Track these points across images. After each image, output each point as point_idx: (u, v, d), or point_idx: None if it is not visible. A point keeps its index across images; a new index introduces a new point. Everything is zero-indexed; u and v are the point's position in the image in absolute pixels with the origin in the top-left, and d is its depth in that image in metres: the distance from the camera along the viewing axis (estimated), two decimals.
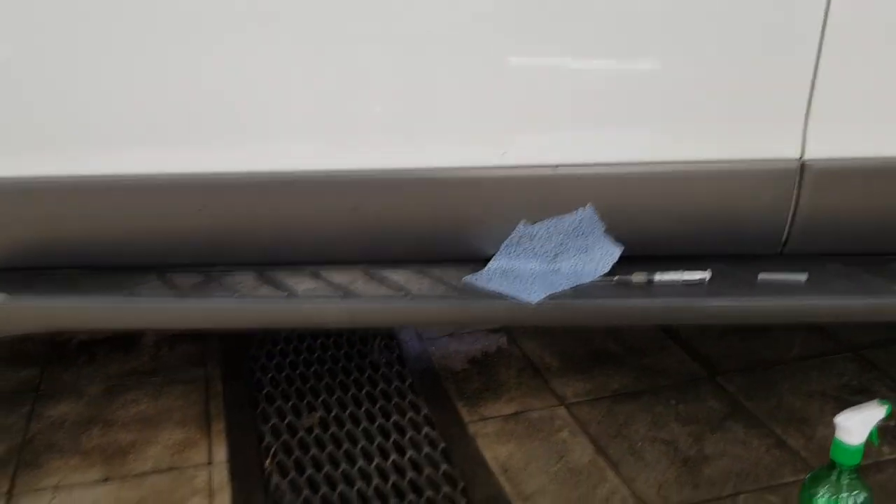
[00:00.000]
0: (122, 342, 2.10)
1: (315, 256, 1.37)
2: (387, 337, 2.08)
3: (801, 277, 1.33)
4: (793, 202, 1.31)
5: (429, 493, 1.55)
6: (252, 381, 1.92)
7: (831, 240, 1.36)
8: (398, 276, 1.36)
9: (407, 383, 1.89)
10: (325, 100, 1.24)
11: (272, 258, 1.37)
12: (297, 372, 1.94)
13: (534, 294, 1.29)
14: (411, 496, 1.54)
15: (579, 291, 1.31)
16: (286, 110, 1.25)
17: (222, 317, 1.32)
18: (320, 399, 1.84)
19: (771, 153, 1.28)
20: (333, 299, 1.30)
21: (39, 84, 1.21)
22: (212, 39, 1.20)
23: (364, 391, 1.86)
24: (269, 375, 1.93)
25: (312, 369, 1.95)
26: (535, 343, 2.05)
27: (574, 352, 2.01)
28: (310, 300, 1.30)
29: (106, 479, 1.61)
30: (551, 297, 1.29)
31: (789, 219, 1.32)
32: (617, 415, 1.77)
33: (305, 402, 1.83)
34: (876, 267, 1.37)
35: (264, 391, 1.87)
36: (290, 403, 1.82)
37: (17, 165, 1.26)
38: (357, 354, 2.01)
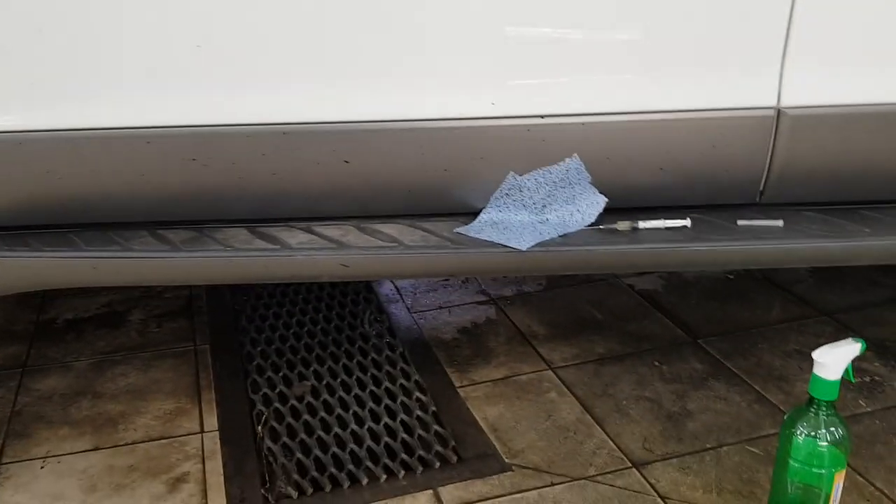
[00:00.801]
0: (110, 319, 2.11)
1: (307, 211, 1.39)
2: (376, 310, 2.11)
3: (779, 223, 1.38)
4: (770, 150, 1.36)
5: (420, 452, 1.57)
6: (242, 353, 1.93)
7: (807, 188, 1.41)
8: (390, 229, 1.39)
9: (397, 353, 1.91)
10: (317, 50, 1.27)
11: (264, 213, 1.39)
12: (287, 345, 1.96)
13: (524, 242, 1.33)
14: (403, 456, 1.56)
15: (567, 239, 1.35)
16: (276, 60, 1.27)
17: (216, 270, 1.33)
18: (311, 369, 1.85)
19: (748, 102, 1.33)
20: (327, 251, 1.32)
21: (28, 35, 1.22)
22: None
23: (354, 361, 1.88)
24: (259, 348, 1.94)
25: (303, 342, 1.97)
26: (522, 313, 2.09)
27: (560, 320, 2.05)
28: (304, 251, 1.32)
29: (96, 448, 1.61)
30: (540, 244, 1.33)
31: (766, 167, 1.37)
32: (602, 376, 1.81)
33: (296, 372, 1.84)
34: (849, 214, 1.42)
35: (254, 363, 1.88)
36: (280, 374, 1.84)
37: (6, 120, 1.27)
38: (347, 327, 2.03)
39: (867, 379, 1.77)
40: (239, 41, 1.25)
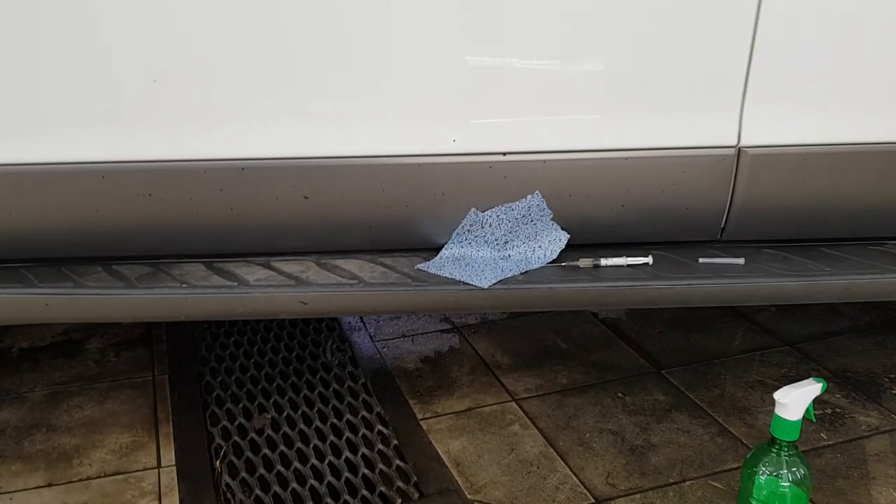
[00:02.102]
0: (67, 348, 2.06)
1: (266, 247, 1.37)
2: (338, 339, 2.08)
3: (740, 261, 1.39)
4: (730, 189, 1.36)
5: (381, 488, 1.55)
6: (201, 384, 1.89)
7: (768, 226, 1.42)
8: (350, 265, 1.37)
9: (360, 383, 1.89)
10: (276, 85, 1.25)
11: (222, 249, 1.37)
12: (248, 375, 1.92)
13: (485, 279, 1.32)
14: (364, 492, 1.54)
15: (529, 276, 1.34)
16: (234, 94, 1.25)
17: (172, 307, 1.31)
18: (271, 401, 1.82)
19: (709, 140, 1.33)
20: (286, 287, 1.30)
21: None
22: (157, 17, 1.20)
23: (316, 392, 1.86)
24: (219, 378, 1.91)
25: (263, 372, 1.93)
26: (486, 342, 2.08)
27: (524, 349, 2.04)
28: (262, 289, 1.30)
29: (49, 484, 1.57)
30: (502, 281, 1.32)
31: (727, 205, 1.38)
32: (566, 408, 1.80)
33: (256, 404, 1.81)
34: (809, 251, 1.43)
35: (214, 394, 1.85)
36: (240, 405, 1.81)
37: None
38: (309, 356, 2.00)
39: (828, 411, 1.78)
40: (195, 75, 1.23)
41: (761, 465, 1.28)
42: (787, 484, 1.27)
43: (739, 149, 1.34)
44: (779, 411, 1.26)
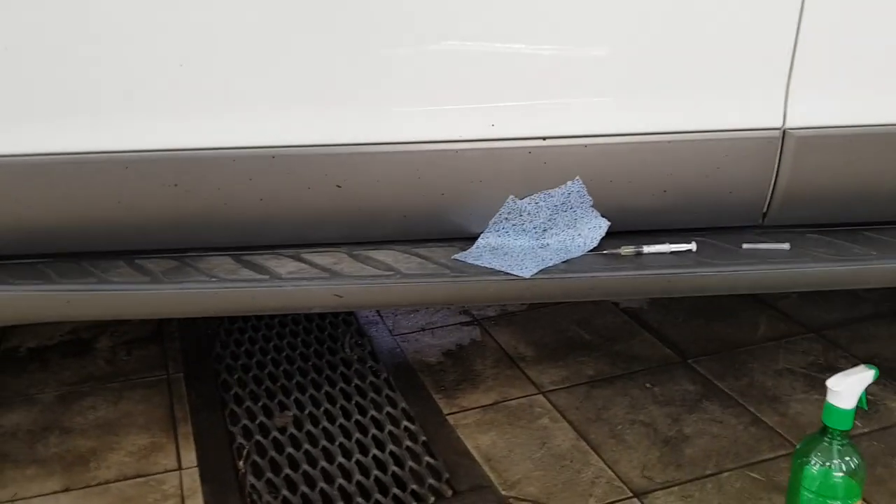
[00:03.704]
0: (76, 347, 1.99)
1: (296, 238, 1.32)
2: (356, 333, 2.03)
3: (785, 246, 1.35)
4: (774, 172, 1.33)
5: (413, 486, 1.50)
6: (218, 382, 1.84)
7: (811, 210, 1.38)
8: (384, 256, 1.33)
9: (381, 378, 1.84)
10: (307, 69, 1.20)
11: (250, 241, 1.31)
12: (265, 371, 1.87)
13: (526, 269, 1.27)
14: (395, 490, 1.49)
15: (571, 265, 1.30)
16: (264, 79, 1.20)
17: (201, 302, 1.25)
18: (292, 398, 1.77)
19: (753, 123, 1.30)
20: (320, 280, 1.25)
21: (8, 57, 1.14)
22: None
23: (337, 388, 1.81)
24: (236, 376, 1.85)
25: (281, 368, 1.88)
26: (508, 334, 2.03)
27: (547, 341, 2.00)
28: (295, 282, 1.25)
29: (67, 489, 1.51)
30: (543, 271, 1.28)
31: (771, 189, 1.34)
32: (594, 399, 1.76)
33: (276, 401, 1.76)
34: (852, 235, 1.40)
35: (231, 392, 1.79)
36: (259, 403, 1.75)
37: None
38: (327, 351, 1.95)
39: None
40: (224, 59, 1.18)
41: (813, 456, 1.25)
42: (840, 475, 1.23)
43: (784, 131, 1.30)
44: (831, 399, 1.23)
